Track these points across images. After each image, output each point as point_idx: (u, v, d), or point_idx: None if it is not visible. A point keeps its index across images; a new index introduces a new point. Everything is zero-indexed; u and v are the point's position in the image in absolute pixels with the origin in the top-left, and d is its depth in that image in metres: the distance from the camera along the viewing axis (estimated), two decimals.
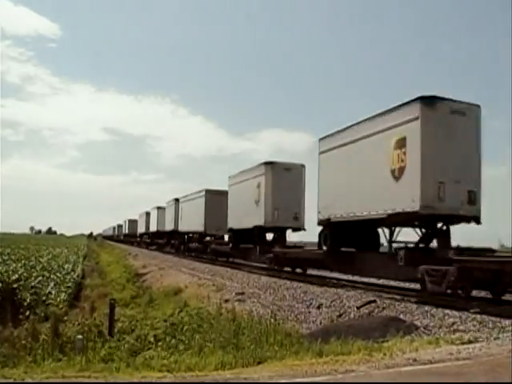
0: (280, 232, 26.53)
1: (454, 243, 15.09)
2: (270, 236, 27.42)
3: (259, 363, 7.93)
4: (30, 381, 6.58)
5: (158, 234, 57.53)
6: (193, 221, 40.01)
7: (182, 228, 44.80)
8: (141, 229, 72.95)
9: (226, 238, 35.60)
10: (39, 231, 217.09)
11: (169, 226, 49.80)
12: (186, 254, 43.09)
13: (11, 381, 6.54)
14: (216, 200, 36.02)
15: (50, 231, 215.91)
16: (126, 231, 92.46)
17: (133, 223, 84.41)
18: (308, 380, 6.56)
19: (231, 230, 30.93)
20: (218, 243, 36.32)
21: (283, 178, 25.48)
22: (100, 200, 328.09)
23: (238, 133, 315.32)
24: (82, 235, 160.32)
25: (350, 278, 19.77)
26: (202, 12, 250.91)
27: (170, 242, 51.32)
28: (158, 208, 58.48)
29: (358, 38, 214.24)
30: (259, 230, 26.50)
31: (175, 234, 47.41)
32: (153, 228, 61.07)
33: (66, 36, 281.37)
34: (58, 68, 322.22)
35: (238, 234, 29.52)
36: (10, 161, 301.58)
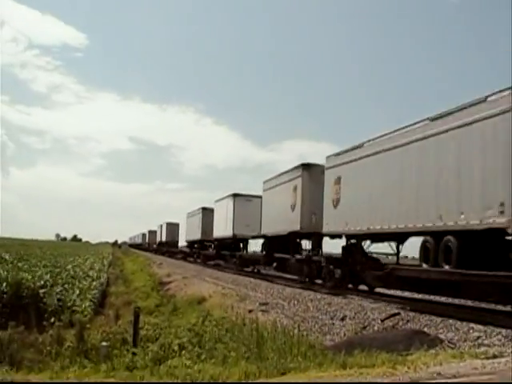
0: None
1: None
2: None
3: (283, 374, 7.91)
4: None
5: (235, 241, 36.97)
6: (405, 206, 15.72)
7: (340, 227, 19.94)
8: (191, 235, 52.28)
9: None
10: (64, 238, 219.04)
11: (273, 227, 27.93)
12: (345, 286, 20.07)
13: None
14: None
15: (75, 238, 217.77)
16: (163, 238, 73.41)
17: (172, 227, 67.78)
18: None
19: None
20: None
21: None
22: (124, 208, 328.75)
23: (263, 143, 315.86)
24: (107, 243, 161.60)
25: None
26: (228, 24, 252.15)
27: (272, 256, 28.71)
28: (236, 196, 36.33)
29: (384, 48, 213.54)
30: None
31: (297, 238, 25.56)
32: (220, 232, 39.48)
33: (93, 45, 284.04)
34: (84, 77, 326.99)
35: None
36: (35, 169, 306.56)
